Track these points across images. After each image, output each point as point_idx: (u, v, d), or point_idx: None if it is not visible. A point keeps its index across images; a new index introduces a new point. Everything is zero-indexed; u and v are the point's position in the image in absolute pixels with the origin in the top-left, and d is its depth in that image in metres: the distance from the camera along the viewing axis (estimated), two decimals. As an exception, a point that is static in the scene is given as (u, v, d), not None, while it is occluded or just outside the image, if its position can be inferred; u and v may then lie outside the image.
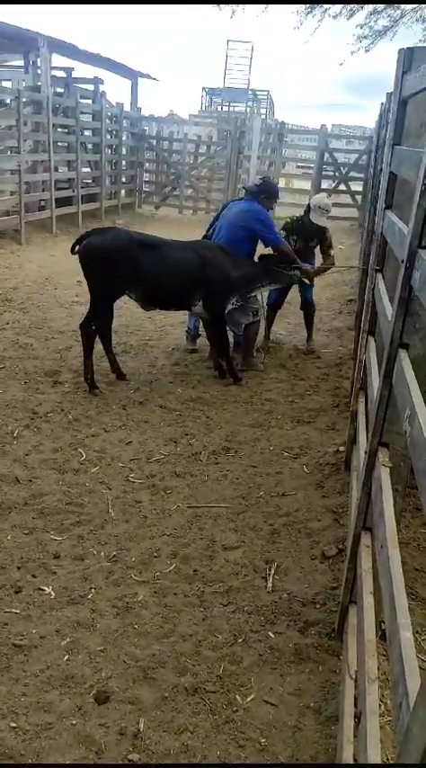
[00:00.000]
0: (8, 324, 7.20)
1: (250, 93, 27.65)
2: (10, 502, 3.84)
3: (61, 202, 13.57)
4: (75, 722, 2.39)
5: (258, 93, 28.61)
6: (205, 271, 5.66)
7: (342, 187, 16.54)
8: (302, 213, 6.79)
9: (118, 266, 5.35)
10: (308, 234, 6.71)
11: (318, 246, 6.82)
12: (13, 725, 2.36)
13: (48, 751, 2.27)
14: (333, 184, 16.76)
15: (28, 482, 4.09)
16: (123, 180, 17.02)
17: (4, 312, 7.72)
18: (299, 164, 21.40)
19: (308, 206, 6.70)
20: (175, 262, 5.58)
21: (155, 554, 3.46)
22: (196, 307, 5.82)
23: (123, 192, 17.13)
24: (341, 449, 4.61)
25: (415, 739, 1.05)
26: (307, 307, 7.06)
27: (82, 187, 14.26)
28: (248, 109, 26.68)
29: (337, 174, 16.71)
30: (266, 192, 6.21)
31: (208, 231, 6.64)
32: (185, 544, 3.56)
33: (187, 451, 4.67)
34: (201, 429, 5.03)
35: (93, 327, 5.54)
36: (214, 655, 2.75)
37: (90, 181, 15.41)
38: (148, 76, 18.28)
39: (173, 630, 2.89)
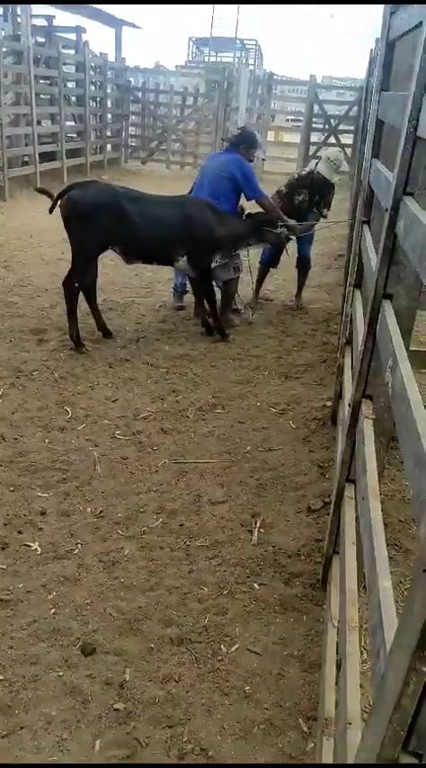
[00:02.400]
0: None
1: (238, 42, 26.89)
2: (-5, 460, 3.83)
3: (45, 157, 13.25)
4: (61, 673, 2.42)
5: (246, 42, 27.81)
6: (189, 227, 5.55)
7: (332, 140, 16.22)
8: (310, 168, 6.64)
9: (100, 221, 5.22)
10: (315, 188, 6.56)
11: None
12: (0, 677, 2.39)
13: (34, 702, 2.30)
14: (323, 137, 16.44)
15: (14, 440, 4.07)
16: (108, 134, 16.64)
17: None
18: (289, 116, 20.91)
19: (318, 159, 6.58)
20: (159, 216, 5.46)
21: (142, 509, 3.47)
22: (179, 262, 5.73)
23: (109, 146, 16.75)
24: (328, 403, 4.61)
25: (390, 685, 1.05)
26: (304, 263, 6.96)
27: (66, 141, 13.92)
28: (236, 59, 25.95)
29: (327, 126, 16.38)
30: (245, 142, 6.02)
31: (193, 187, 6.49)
32: (171, 499, 3.57)
33: (174, 408, 4.65)
34: (188, 386, 5.01)
35: (77, 284, 5.45)
36: (199, 606, 2.78)
37: (74, 135, 15.04)
38: (133, 25, 17.71)
39: (158, 584, 2.91)
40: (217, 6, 25.96)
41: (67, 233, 5.39)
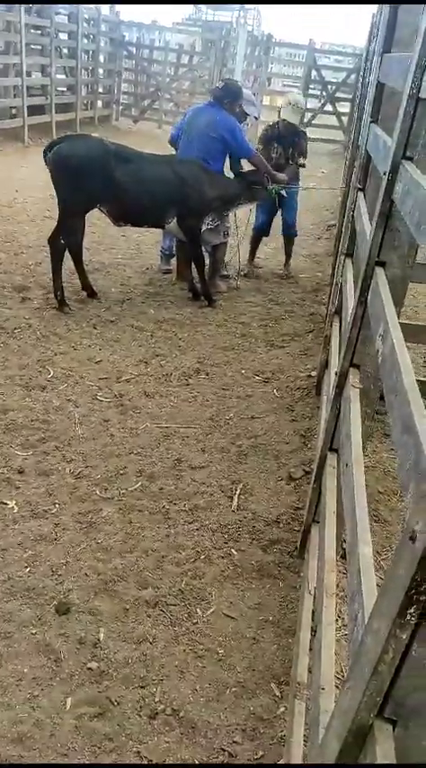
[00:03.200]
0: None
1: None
2: (-26, 417, 3.77)
3: (34, 110, 12.89)
4: (35, 631, 2.40)
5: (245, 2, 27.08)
6: (181, 188, 5.44)
7: (329, 108, 15.97)
8: (274, 120, 6.55)
9: (90, 177, 5.08)
10: (285, 138, 6.46)
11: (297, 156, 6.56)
12: (-27, 633, 2.37)
13: (6, 658, 2.29)
14: (320, 104, 16.16)
15: (-7, 397, 4.01)
16: (100, 90, 16.21)
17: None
18: (285, 81, 20.53)
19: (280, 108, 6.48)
20: (151, 176, 5.33)
21: (121, 472, 3.44)
22: (170, 224, 5.62)
23: (100, 102, 16.33)
24: (313, 373, 4.59)
25: (368, 650, 1.04)
26: (289, 230, 6.88)
27: (56, 95, 13.54)
28: (235, 19, 25.30)
29: (324, 93, 16.09)
30: (230, 96, 5.81)
31: (174, 140, 6.30)
32: (152, 463, 3.54)
33: (157, 372, 4.60)
34: (173, 350, 4.95)
35: (62, 242, 5.33)
36: (176, 570, 2.77)
37: (64, 89, 14.64)
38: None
39: (136, 546, 2.89)
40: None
41: (55, 188, 5.25)
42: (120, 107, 17.16)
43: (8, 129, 12.01)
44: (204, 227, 5.79)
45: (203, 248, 5.92)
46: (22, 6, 11.52)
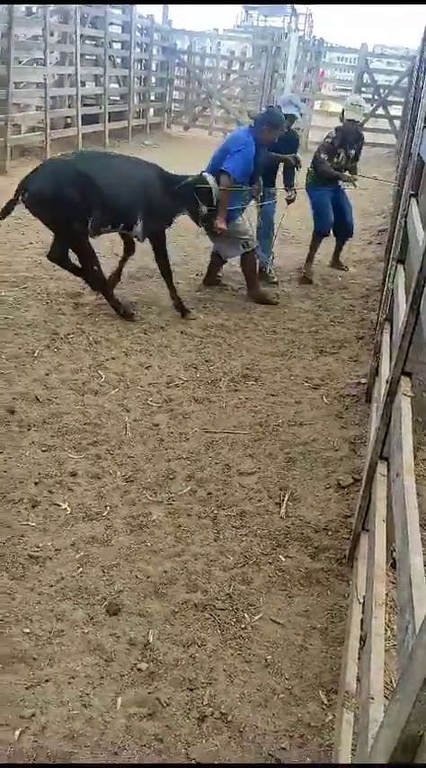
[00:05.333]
0: (30, 244, 7.09)
1: (288, 7, 26.16)
2: (29, 420, 3.87)
3: (88, 120, 13.16)
4: (86, 631, 2.46)
5: (297, 7, 27.05)
6: (144, 190, 5.35)
7: (381, 111, 15.79)
8: (333, 130, 6.57)
9: (72, 199, 4.93)
10: (348, 141, 6.51)
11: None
12: (27, 630, 2.44)
13: (59, 656, 2.35)
14: (372, 108, 16.00)
15: (47, 401, 4.11)
16: (152, 98, 16.44)
17: (27, 232, 7.60)
18: (337, 86, 20.40)
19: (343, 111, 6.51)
20: (124, 176, 5.27)
21: (171, 476, 3.49)
22: (137, 227, 5.42)
23: (151, 110, 16.56)
24: (363, 381, 4.55)
25: (419, 662, 1.04)
26: (348, 230, 6.84)
27: (109, 104, 13.79)
28: (286, 24, 25.29)
29: (376, 96, 15.92)
30: (269, 123, 5.66)
31: None
32: (201, 468, 3.58)
33: (206, 378, 4.64)
34: (222, 356, 4.98)
35: (95, 272, 5.32)
36: (224, 575, 2.79)
37: (117, 98, 14.89)
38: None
39: (185, 550, 2.93)
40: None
41: (50, 227, 5.31)
42: (172, 114, 17.36)
43: (63, 139, 12.28)
44: (217, 241, 5.88)
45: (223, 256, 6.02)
46: (78, 17, 11.79)
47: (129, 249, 5.87)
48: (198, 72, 16.94)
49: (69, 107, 12.69)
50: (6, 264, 6.33)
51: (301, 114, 6.85)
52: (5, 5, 9.71)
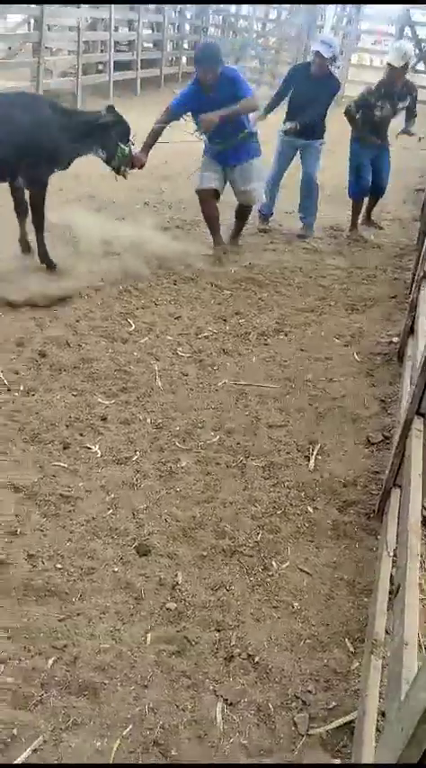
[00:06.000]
0: (61, 190, 7.02)
1: None
2: (60, 364, 3.89)
3: (120, 66, 12.89)
4: (116, 569, 2.50)
5: None
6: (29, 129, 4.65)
7: (421, 66, 15.22)
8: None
9: None
10: (394, 93, 6.18)
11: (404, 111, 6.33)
12: (59, 566, 2.48)
13: (90, 592, 2.39)
14: (413, 63, 15.44)
15: (78, 347, 4.12)
16: (185, 46, 16.01)
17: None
18: (377, 38, 19.63)
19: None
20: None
21: (200, 425, 3.49)
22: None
23: (184, 58, 16.13)
24: (395, 340, 4.49)
25: None
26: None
27: (142, 51, 13.47)
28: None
29: (417, 51, 15.32)
30: (195, 61, 5.40)
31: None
32: (229, 419, 3.57)
33: (236, 330, 4.60)
34: (252, 310, 4.93)
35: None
36: (253, 522, 2.81)
37: (150, 45, 14.54)
38: None
39: (213, 497, 2.95)
40: None
41: None
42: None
43: (92, 85, 12.04)
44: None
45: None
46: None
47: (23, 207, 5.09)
48: (233, 21, 16.42)
49: (101, 52, 12.42)
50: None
51: (335, 54, 6.22)
52: None
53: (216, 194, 5.69)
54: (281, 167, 6.53)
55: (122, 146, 5.09)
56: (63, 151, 4.91)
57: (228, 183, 5.75)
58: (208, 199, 5.68)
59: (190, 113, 5.42)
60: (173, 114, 5.39)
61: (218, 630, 2.29)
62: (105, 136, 5.03)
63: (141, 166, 5.36)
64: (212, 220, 5.78)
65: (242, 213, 6.03)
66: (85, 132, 4.96)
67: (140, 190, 7.31)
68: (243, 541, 2.69)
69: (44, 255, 5.06)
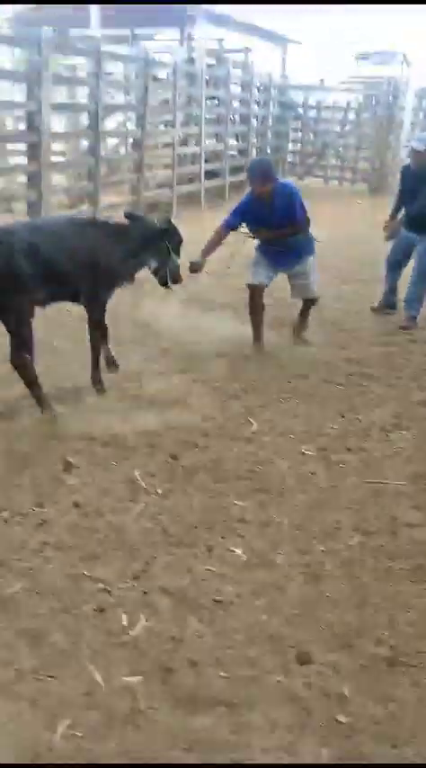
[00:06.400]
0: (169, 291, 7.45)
1: (400, 55, 26.32)
2: (191, 466, 4.03)
3: (208, 175, 13.76)
4: (279, 679, 2.50)
5: (408, 55, 27.14)
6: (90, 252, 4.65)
7: None
8: None
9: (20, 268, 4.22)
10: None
11: None
12: (223, 674, 2.51)
13: (258, 703, 2.39)
14: None
15: (205, 447, 4.26)
16: (268, 151, 16.95)
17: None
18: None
19: None
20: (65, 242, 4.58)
21: (336, 526, 3.50)
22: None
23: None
24: None
25: None
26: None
27: (229, 159, 14.36)
28: (401, 72, 25.44)
29: None
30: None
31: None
32: (365, 519, 3.57)
33: (355, 426, 4.65)
34: (368, 404, 4.98)
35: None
36: (410, 630, 2.75)
37: (236, 153, 15.49)
38: (298, 42, 17.94)
39: (364, 602, 2.92)
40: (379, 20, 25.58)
41: None
42: (286, 165, 17.82)
43: (185, 195, 12.87)
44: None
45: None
46: (204, 81, 12.45)
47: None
48: (313, 124, 17.34)
49: (192, 164, 13.32)
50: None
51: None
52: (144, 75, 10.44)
53: (263, 288, 5.91)
54: (397, 258, 6.87)
55: (174, 257, 5.11)
56: (122, 270, 4.89)
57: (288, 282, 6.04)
58: (256, 294, 5.88)
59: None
60: (229, 229, 5.73)
61: (394, 746, 2.23)
62: (159, 248, 5.03)
63: (197, 271, 5.62)
64: (256, 316, 5.93)
65: (305, 307, 6.20)
66: (143, 246, 4.96)
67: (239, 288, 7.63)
68: (404, 650, 2.64)
69: (96, 378, 4.87)
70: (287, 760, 2.18)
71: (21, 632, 2.69)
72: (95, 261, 4.65)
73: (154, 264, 5.09)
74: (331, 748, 2.23)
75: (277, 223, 5.56)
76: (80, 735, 2.25)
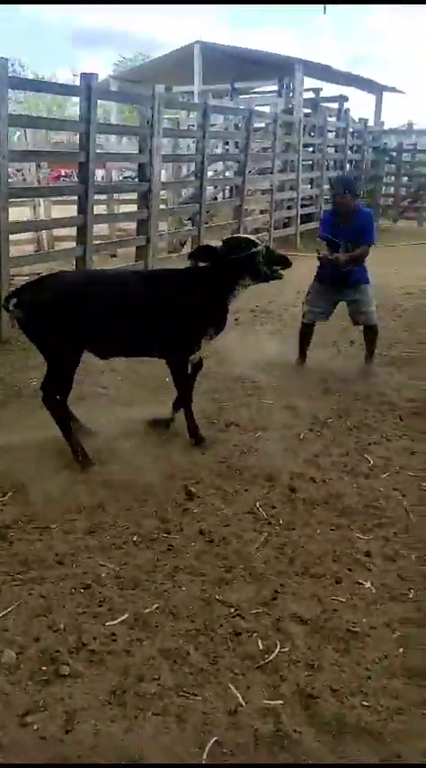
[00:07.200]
0: (269, 335, 7.61)
1: None
2: (311, 499, 4.05)
3: (303, 219, 14.01)
4: (425, 712, 2.46)
5: None
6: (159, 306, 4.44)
7: None
8: None
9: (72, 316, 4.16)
10: None
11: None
12: (365, 703, 2.50)
13: (405, 735, 2.36)
14: None
15: (323, 482, 4.28)
16: (363, 194, 17.08)
17: (265, 323, 8.21)
18: None
19: None
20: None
21: None
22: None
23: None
24: None
25: None
26: None
27: (323, 203, 14.58)
28: None
29: None
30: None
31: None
32: None
33: None
34: None
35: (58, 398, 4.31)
36: None
37: (329, 197, 15.70)
38: (394, 90, 18.17)
39: None
40: None
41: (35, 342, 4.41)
42: (380, 209, 17.87)
43: (281, 237, 13.15)
44: None
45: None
46: (301, 129, 12.80)
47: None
48: (408, 167, 17.37)
49: (288, 209, 13.60)
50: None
51: None
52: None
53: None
54: None
55: (256, 250, 4.57)
56: (195, 322, 4.57)
57: (346, 307, 6.25)
58: (309, 330, 6.37)
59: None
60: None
61: None
62: (234, 272, 4.57)
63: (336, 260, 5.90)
64: (304, 343, 6.39)
65: (369, 336, 6.35)
66: (221, 288, 4.63)
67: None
68: None
69: (194, 431, 4.71)
70: (441, 795, 2.14)
71: (162, 651, 2.77)
72: (160, 315, 4.43)
73: (250, 281, 4.66)
74: None
75: (351, 238, 5.97)
76: (228, 752, 2.30)
